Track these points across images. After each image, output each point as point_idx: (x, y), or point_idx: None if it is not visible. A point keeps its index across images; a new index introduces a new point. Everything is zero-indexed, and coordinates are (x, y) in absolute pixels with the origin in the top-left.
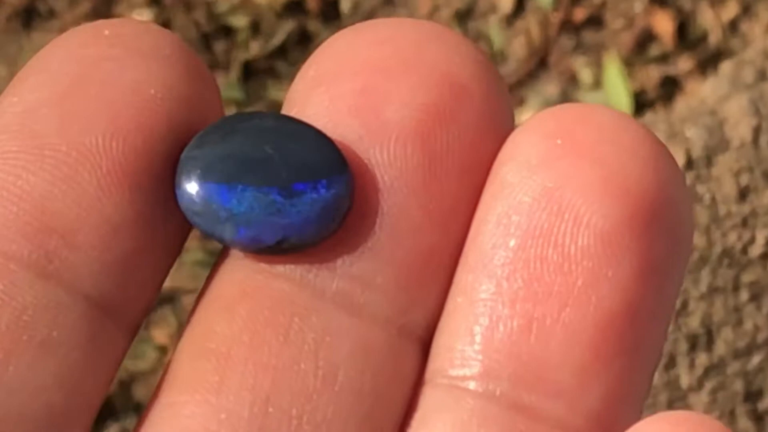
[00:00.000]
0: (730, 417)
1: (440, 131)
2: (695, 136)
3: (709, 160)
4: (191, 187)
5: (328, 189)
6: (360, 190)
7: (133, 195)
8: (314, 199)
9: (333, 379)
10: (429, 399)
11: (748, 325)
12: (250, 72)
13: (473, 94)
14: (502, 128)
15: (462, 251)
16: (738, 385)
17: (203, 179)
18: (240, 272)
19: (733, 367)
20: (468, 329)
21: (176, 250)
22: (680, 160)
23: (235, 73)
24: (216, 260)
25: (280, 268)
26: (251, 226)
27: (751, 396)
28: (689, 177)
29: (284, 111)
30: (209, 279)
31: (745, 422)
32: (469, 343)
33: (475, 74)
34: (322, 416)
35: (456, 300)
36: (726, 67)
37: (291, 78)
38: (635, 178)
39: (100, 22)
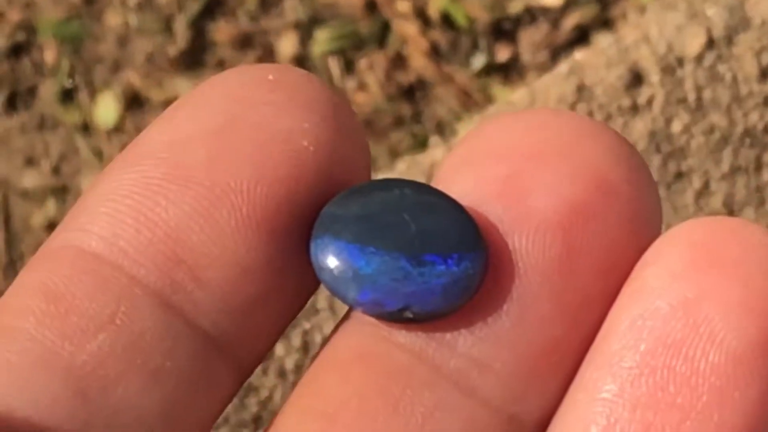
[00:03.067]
0: None
1: (583, 227)
2: (716, 16)
3: (730, 40)
4: (323, 242)
5: (458, 264)
6: (493, 272)
7: (268, 242)
8: (442, 271)
9: None
10: None
11: None
12: None
13: (622, 195)
14: (647, 232)
15: (589, 348)
16: None
17: (336, 236)
18: (359, 335)
19: None
20: (584, 427)
21: (302, 301)
22: (701, 40)
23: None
24: (339, 321)
25: (400, 338)
26: (376, 289)
27: None
28: (710, 57)
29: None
30: (329, 338)
31: None
32: None
33: (627, 175)
34: None
35: (576, 396)
36: None
37: None
38: None
39: (265, 65)
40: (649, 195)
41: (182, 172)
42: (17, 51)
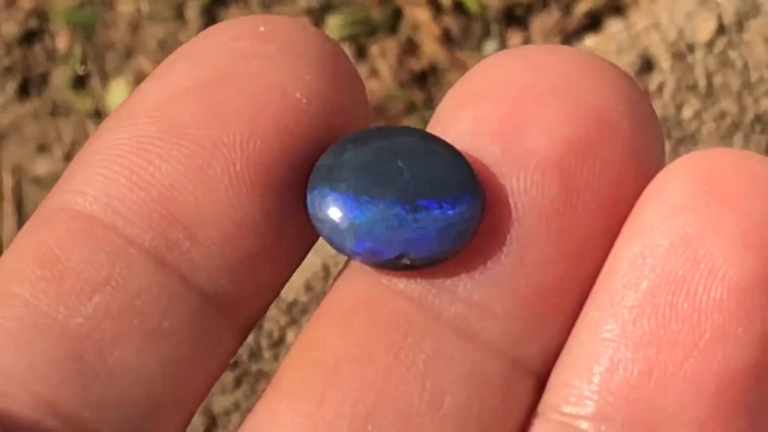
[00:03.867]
0: None
1: (581, 165)
2: (726, 2)
3: (740, 26)
4: (318, 194)
5: (453, 208)
6: (491, 215)
7: (263, 196)
8: (437, 216)
9: (439, 403)
10: None
11: None
12: None
13: (621, 132)
14: (648, 168)
15: (591, 287)
16: None
17: (331, 187)
18: (359, 284)
19: None
20: (587, 367)
21: (302, 254)
22: (712, 26)
23: None
24: (339, 270)
25: (399, 285)
26: (371, 238)
27: None
28: (721, 43)
29: (429, 129)
30: (330, 288)
31: None
32: (587, 382)
33: (626, 111)
34: None
35: (579, 336)
36: None
37: None
38: None
39: (257, 17)
40: (650, 129)
41: (174, 129)
42: (30, 37)
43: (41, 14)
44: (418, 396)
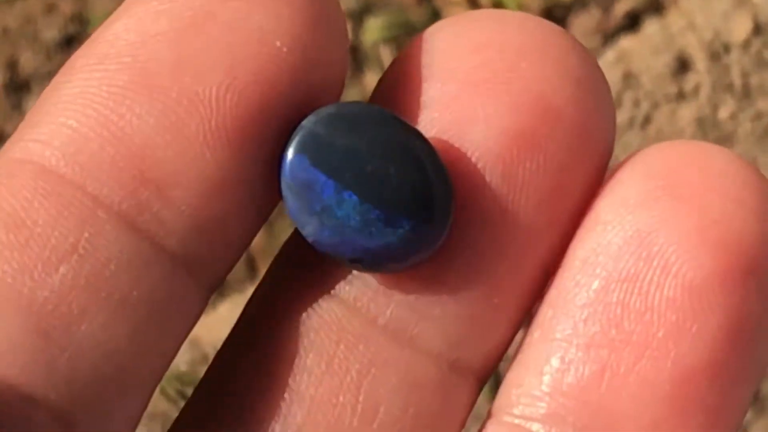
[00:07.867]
0: None
1: (524, 159)
2: (762, 2)
3: None
4: (298, 164)
5: (426, 226)
6: None
7: (239, 155)
8: (408, 233)
9: (373, 415)
10: None
11: None
12: None
13: (567, 119)
14: (599, 155)
15: (539, 285)
16: None
17: (315, 163)
18: (292, 288)
19: None
20: (538, 368)
21: (266, 214)
22: (748, 27)
23: None
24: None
25: (335, 289)
26: (337, 233)
27: None
28: (757, 43)
29: (370, 101)
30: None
31: None
32: (538, 383)
33: (572, 94)
34: None
35: (533, 335)
36: None
37: None
38: (736, 229)
39: None
40: (599, 114)
41: (147, 80)
42: (70, 42)
43: (81, 19)
44: (351, 408)
